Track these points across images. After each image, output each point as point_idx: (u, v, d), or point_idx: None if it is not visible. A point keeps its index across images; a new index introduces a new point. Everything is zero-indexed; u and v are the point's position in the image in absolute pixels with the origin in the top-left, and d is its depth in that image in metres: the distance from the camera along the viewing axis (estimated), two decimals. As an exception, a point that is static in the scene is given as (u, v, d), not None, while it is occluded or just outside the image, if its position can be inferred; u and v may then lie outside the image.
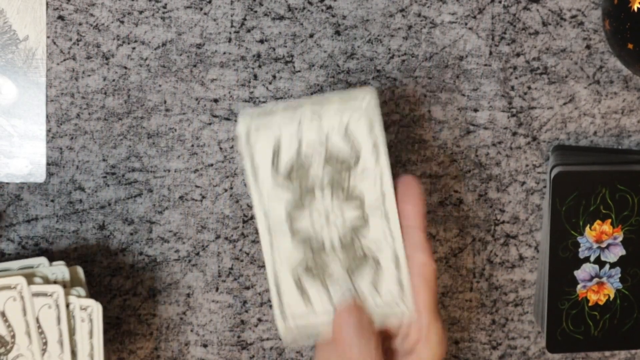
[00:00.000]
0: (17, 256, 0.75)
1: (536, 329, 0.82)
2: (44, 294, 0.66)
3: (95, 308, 0.67)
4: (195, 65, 0.75)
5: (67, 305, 0.67)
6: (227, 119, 0.76)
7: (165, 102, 0.75)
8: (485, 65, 0.77)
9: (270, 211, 0.62)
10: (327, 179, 0.62)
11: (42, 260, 0.70)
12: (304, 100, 0.61)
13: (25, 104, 0.74)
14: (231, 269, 0.78)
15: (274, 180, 0.61)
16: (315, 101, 0.61)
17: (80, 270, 0.70)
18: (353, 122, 0.61)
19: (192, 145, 0.76)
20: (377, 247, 0.63)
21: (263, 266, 0.78)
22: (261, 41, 0.75)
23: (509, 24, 0.77)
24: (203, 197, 0.77)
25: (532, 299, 0.82)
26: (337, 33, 0.75)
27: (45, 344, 0.67)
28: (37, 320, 0.66)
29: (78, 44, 0.73)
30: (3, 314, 0.66)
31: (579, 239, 0.77)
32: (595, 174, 0.76)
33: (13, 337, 0.67)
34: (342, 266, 0.64)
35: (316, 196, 0.62)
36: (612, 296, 0.79)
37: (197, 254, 0.78)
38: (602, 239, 0.78)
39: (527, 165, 0.79)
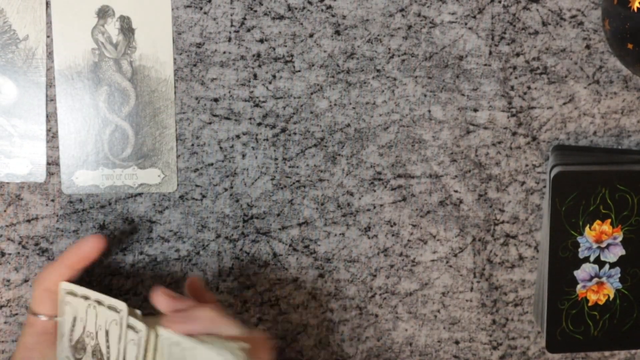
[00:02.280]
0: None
1: (536, 329, 0.82)
2: (134, 329, 0.66)
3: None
4: (195, 65, 0.75)
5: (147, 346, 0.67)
6: (227, 118, 0.76)
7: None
8: (485, 65, 0.77)
9: None
10: None
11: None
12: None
13: (25, 104, 0.74)
14: (231, 268, 0.78)
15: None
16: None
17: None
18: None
19: (192, 145, 0.76)
20: None
21: (263, 266, 0.78)
22: (261, 41, 0.75)
23: (509, 24, 0.77)
24: (203, 196, 0.77)
25: (532, 299, 0.82)
26: (337, 33, 0.75)
27: None
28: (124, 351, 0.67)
29: (78, 44, 0.73)
30: (107, 333, 0.68)
31: (579, 239, 0.77)
32: (595, 174, 0.76)
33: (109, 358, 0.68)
34: None
35: None
36: (611, 296, 0.79)
37: (198, 253, 0.78)
38: (601, 239, 0.78)
39: (527, 165, 0.79)
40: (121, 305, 0.66)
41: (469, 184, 0.79)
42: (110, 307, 0.67)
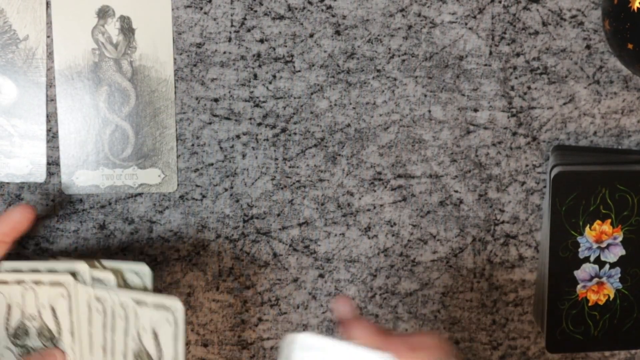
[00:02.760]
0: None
1: (536, 329, 0.82)
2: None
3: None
4: (195, 65, 0.75)
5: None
6: (228, 118, 0.76)
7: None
8: (485, 65, 0.77)
9: None
10: None
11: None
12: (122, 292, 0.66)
13: (26, 103, 0.74)
14: (232, 268, 0.78)
15: None
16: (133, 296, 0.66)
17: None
18: (162, 331, 0.65)
19: (193, 145, 0.76)
20: None
21: (263, 266, 0.78)
22: (261, 41, 0.75)
23: (509, 24, 0.77)
24: (203, 196, 0.77)
25: (532, 299, 0.82)
26: (337, 33, 0.75)
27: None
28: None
29: (78, 44, 0.73)
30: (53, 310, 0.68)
31: (579, 239, 0.77)
32: (595, 174, 0.76)
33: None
34: None
35: None
36: (612, 296, 0.79)
37: (198, 253, 0.78)
38: (602, 239, 0.78)
39: (527, 165, 0.79)
40: (64, 277, 0.66)
41: (469, 184, 0.79)
42: (52, 284, 0.66)
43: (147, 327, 0.65)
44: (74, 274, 0.67)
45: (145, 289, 0.68)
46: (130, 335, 0.65)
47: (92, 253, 0.76)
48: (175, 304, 0.63)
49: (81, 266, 0.67)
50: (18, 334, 0.68)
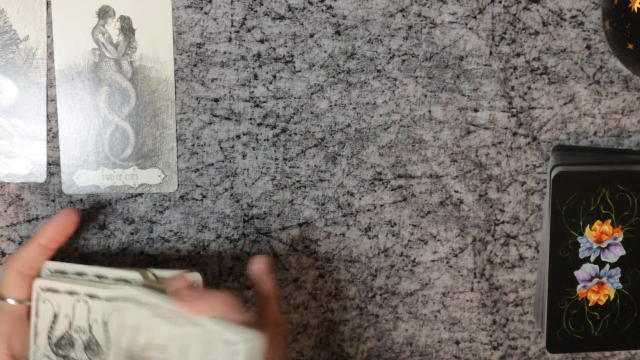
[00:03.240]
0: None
1: (536, 329, 0.82)
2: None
3: None
4: (195, 65, 0.75)
5: None
6: (228, 118, 0.76)
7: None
8: (486, 65, 0.77)
9: None
10: None
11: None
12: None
13: (26, 104, 0.74)
14: (232, 268, 0.78)
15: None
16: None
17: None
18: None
19: (193, 145, 0.76)
20: None
21: (263, 266, 0.78)
22: (261, 41, 0.75)
23: (509, 24, 0.77)
24: (204, 196, 0.77)
25: (533, 299, 0.82)
26: (337, 33, 0.75)
27: None
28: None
29: (79, 44, 0.73)
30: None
31: (579, 239, 0.77)
32: (595, 174, 0.76)
33: None
34: None
35: None
36: (612, 296, 0.79)
37: (198, 253, 0.78)
38: (602, 239, 0.78)
39: (527, 166, 0.79)
40: (125, 292, 0.65)
41: (469, 184, 0.79)
42: (109, 299, 0.66)
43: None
44: (128, 282, 0.67)
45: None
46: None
47: (92, 253, 0.76)
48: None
49: (134, 275, 0.67)
50: (61, 344, 0.68)
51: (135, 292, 0.64)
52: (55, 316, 0.67)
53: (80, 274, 0.68)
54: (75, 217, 0.69)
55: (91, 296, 0.66)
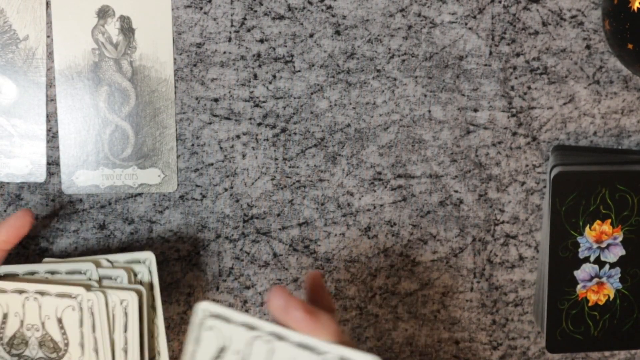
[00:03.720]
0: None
1: (536, 329, 0.82)
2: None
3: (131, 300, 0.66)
4: (195, 65, 0.75)
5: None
6: (227, 118, 0.76)
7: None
8: (485, 65, 0.77)
9: None
10: None
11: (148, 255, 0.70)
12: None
13: (26, 103, 0.74)
14: (232, 268, 0.78)
15: None
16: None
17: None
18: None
19: (192, 145, 0.76)
20: None
21: (263, 266, 0.78)
22: (261, 41, 0.75)
23: (509, 24, 0.77)
24: (203, 196, 0.77)
25: (532, 299, 0.82)
26: (337, 33, 0.75)
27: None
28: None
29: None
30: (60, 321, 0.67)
31: (579, 239, 0.77)
32: (595, 174, 0.76)
33: (67, 345, 0.67)
34: None
35: None
36: (612, 296, 0.79)
37: (198, 253, 0.78)
38: (602, 239, 0.78)
39: (527, 165, 0.79)
40: (77, 290, 0.65)
41: (469, 184, 0.79)
42: (60, 295, 0.66)
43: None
44: (82, 274, 0.67)
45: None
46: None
47: (92, 253, 0.76)
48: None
49: (87, 266, 0.67)
50: (14, 343, 0.68)
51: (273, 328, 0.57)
52: (5, 316, 0.67)
53: (32, 274, 0.67)
54: (30, 219, 0.68)
55: (41, 293, 0.66)
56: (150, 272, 0.69)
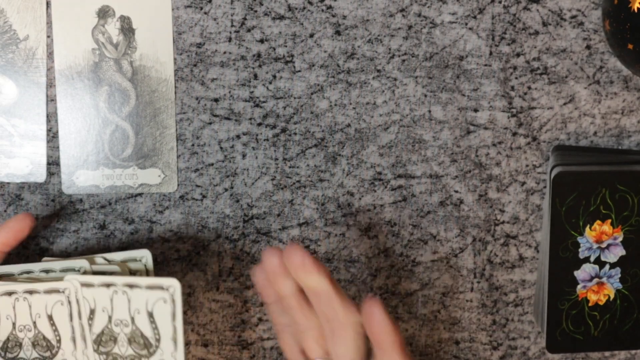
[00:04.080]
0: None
1: (536, 329, 0.82)
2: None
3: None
4: (195, 65, 0.75)
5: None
6: (228, 118, 0.76)
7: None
8: (486, 65, 0.77)
9: None
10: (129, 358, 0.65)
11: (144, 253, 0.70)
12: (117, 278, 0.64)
13: (26, 103, 0.74)
14: (232, 268, 0.78)
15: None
16: (127, 281, 0.65)
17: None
18: (157, 309, 0.64)
19: (193, 145, 0.76)
20: None
21: (263, 266, 0.78)
22: (261, 41, 0.75)
23: (509, 24, 0.77)
24: (203, 196, 0.77)
25: (532, 299, 0.82)
26: (337, 33, 0.75)
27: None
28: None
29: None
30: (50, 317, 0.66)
31: (579, 239, 0.77)
32: (595, 174, 0.76)
33: (59, 341, 0.67)
34: None
35: None
36: (612, 296, 0.79)
37: (198, 253, 0.78)
38: (602, 239, 0.78)
39: (527, 166, 0.79)
40: (64, 284, 0.65)
41: (469, 184, 0.79)
42: (48, 291, 0.66)
43: (142, 309, 0.64)
44: (77, 271, 0.67)
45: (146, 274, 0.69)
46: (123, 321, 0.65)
47: (92, 253, 0.76)
48: (172, 282, 0.63)
49: (82, 263, 0.67)
50: (8, 347, 0.67)
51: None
52: None
53: (27, 272, 0.67)
54: (30, 222, 0.68)
55: (30, 292, 0.66)
56: (147, 270, 0.69)
